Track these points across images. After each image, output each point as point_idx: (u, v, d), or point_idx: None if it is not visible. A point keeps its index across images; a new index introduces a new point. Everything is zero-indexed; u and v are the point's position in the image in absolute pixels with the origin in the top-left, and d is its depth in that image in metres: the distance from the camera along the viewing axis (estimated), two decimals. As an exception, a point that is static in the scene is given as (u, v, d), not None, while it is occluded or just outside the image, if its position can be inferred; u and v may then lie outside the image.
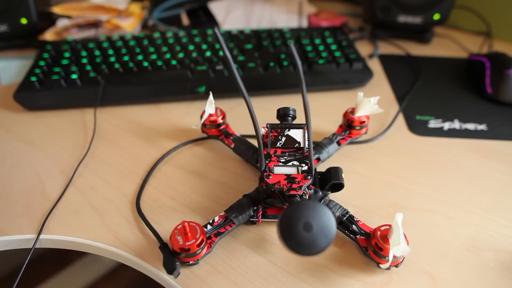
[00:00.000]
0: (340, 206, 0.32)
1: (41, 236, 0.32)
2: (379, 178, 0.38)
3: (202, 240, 0.29)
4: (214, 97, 0.48)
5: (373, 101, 0.38)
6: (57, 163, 0.40)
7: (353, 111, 0.40)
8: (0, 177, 0.38)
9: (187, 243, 0.28)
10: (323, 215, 0.23)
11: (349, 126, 0.40)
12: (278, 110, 0.36)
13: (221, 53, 0.52)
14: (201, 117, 0.40)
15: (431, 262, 0.30)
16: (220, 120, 0.40)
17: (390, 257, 0.27)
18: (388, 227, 0.29)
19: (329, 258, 0.30)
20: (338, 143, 0.39)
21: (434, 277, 0.29)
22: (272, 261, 0.30)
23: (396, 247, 0.26)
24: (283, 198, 0.31)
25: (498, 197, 0.36)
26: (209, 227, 0.31)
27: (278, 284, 0.29)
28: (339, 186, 0.33)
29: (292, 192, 0.29)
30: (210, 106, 0.39)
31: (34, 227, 0.33)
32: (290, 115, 0.36)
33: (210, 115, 0.40)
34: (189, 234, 0.28)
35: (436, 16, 0.59)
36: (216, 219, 0.32)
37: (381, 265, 0.28)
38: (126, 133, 0.44)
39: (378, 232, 0.28)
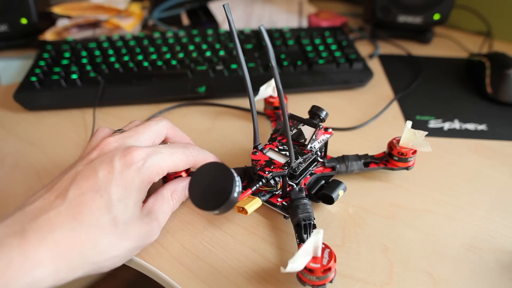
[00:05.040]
0: (309, 213, 0.30)
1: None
2: (379, 178, 0.38)
3: None
4: (214, 97, 0.49)
5: (418, 134, 0.34)
6: (57, 163, 0.40)
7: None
8: (0, 177, 0.38)
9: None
10: (225, 179, 0.24)
11: (389, 154, 0.36)
12: (312, 106, 0.37)
13: (221, 53, 0.52)
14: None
15: (431, 262, 0.30)
16: (276, 104, 0.42)
17: (288, 267, 0.24)
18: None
19: (329, 258, 0.30)
20: (366, 165, 0.36)
21: (434, 277, 0.29)
22: (273, 261, 0.30)
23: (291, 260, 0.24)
24: (255, 176, 0.32)
25: (498, 197, 0.36)
26: None
27: (279, 284, 0.29)
28: (329, 199, 0.32)
29: (260, 173, 0.31)
30: (268, 87, 0.42)
31: (34, 227, 0.33)
32: (320, 117, 0.36)
33: (271, 96, 0.43)
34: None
35: (436, 16, 0.59)
36: None
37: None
38: (126, 133, 0.44)
39: None
